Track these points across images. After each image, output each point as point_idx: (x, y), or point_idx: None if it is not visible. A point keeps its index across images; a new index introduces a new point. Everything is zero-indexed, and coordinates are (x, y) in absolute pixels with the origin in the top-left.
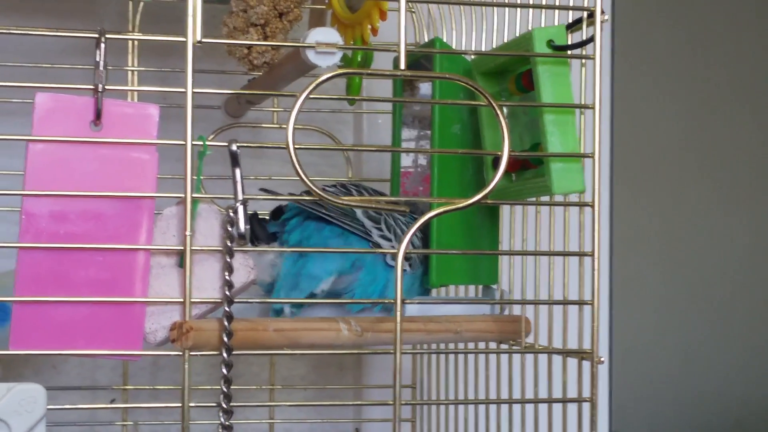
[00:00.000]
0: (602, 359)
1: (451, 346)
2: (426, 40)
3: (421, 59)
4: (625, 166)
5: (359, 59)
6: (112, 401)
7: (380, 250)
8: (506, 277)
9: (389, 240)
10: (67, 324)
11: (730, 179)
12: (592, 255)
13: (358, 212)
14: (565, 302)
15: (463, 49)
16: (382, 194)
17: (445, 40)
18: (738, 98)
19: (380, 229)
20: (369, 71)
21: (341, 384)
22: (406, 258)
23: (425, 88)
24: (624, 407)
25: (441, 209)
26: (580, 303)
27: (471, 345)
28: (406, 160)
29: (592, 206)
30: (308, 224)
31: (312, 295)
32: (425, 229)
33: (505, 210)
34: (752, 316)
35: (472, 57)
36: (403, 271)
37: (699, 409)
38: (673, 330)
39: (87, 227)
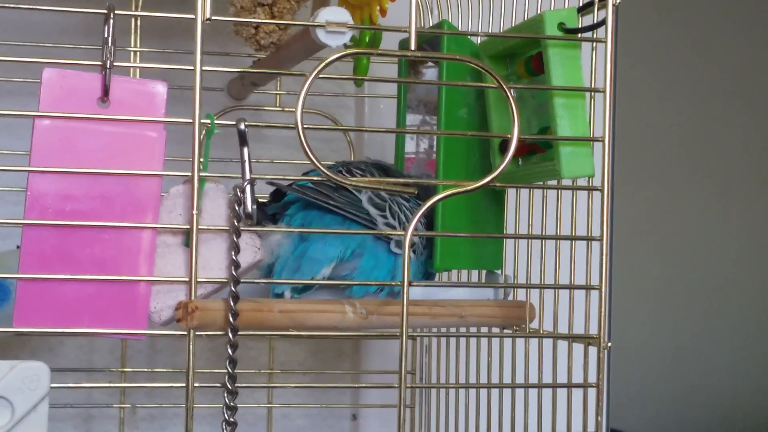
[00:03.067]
0: (609, 344)
1: (454, 331)
2: (430, 23)
3: (423, 44)
4: (625, 152)
5: (367, 40)
6: (110, 382)
7: (388, 232)
8: (511, 262)
9: (394, 228)
10: (71, 302)
11: (729, 171)
12: (601, 240)
13: (364, 199)
14: (572, 287)
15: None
16: (390, 170)
17: (450, 21)
18: (739, 89)
19: (385, 217)
20: (378, 51)
21: (339, 369)
22: (410, 244)
23: (430, 72)
24: (616, 395)
25: (448, 192)
26: (588, 288)
27: (474, 330)
28: (409, 146)
29: (602, 191)
30: (310, 211)
31: (313, 279)
32: (429, 213)
33: (510, 195)
34: (747, 308)
35: (480, 40)
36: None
37: (688, 400)
38: (668, 319)
39: (93, 205)
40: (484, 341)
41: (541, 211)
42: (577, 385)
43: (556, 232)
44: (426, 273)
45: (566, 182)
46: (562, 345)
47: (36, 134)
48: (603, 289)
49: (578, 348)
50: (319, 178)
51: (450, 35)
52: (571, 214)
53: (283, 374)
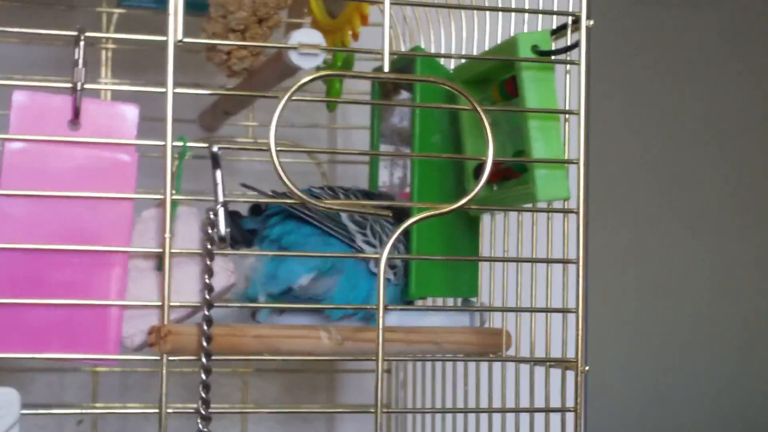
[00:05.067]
0: (587, 368)
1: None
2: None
3: (396, 71)
4: (598, 176)
5: (339, 65)
6: (80, 422)
7: (363, 255)
8: (486, 289)
9: (374, 246)
10: (41, 327)
11: (703, 192)
12: (577, 262)
13: (344, 216)
14: (548, 310)
15: (443, 58)
16: (373, 196)
17: (424, 48)
18: (712, 114)
19: (365, 235)
20: (351, 73)
21: (314, 404)
22: (391, 266)
23: (403, 94)
24: (595, 418)
25: (423, 214)
26: (564, 311)
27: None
28: (383, 175)
29: (577, 213)
30: (289, 221)
31: (289, 289)
32: (407, 240)
33: (485, 222)
34: (727, 329)
35: (453, 64)
36: (387, 280)
37: (669, 423)
38: (646, 341)
39: (63, 228)
40: (460, 369)
41: (517, 236)
42: (556, 410)
43: (532, 256)
44: (403, 300)
45: (541, 206)
46: (539, 371)
47: (6, 157)
48: (579, 312)
49: (555, 374)
50: (294, 201)
51: (423, 60)
52: (547, 238)
53: (256, 413)
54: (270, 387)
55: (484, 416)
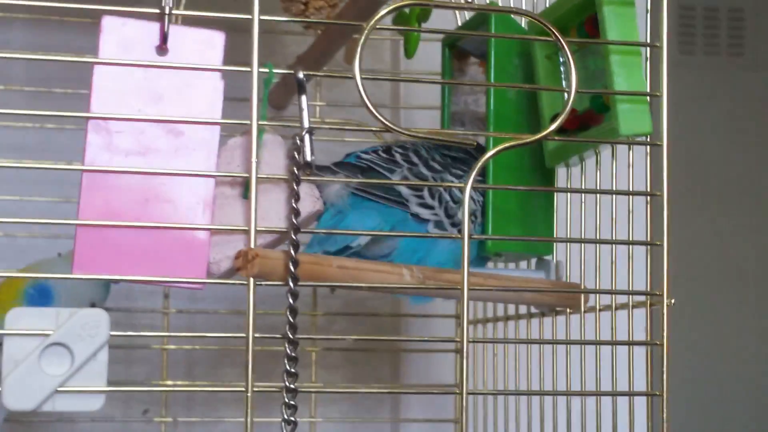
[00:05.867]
0: (672, 301)
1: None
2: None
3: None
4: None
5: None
6: (146, 411)
7: (448, 184)
8: (562, 248)
9: (431, 208)
10: (130, 251)
11: None
12: (661, 195)
13: (396, 179)
14: (630, 242)
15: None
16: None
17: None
18: None
19: (421, 197)
20: (434, 3)
21: (377, 398)
22: (456, 225)
23: (473, 70)
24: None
25: (504, 144)
26: (648, 244)
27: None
28: None
29: (661, 145)
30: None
31: (347, 248)
32: (483, 196)
33: (561, 175)
34: None
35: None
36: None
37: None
38: (725, 279)
39: (150, 154)
40: (534, 323)
41: (596, 177)
42: (640, 343)
43: (612, 198)
44: (480, 255)
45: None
46: (621, 315)
47: (95, 81)
48: (665, 245)
49: (638, 315)
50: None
51: (497, 15)
52: (629, 175)
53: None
54: (335, 373)
55: (561, 360)
